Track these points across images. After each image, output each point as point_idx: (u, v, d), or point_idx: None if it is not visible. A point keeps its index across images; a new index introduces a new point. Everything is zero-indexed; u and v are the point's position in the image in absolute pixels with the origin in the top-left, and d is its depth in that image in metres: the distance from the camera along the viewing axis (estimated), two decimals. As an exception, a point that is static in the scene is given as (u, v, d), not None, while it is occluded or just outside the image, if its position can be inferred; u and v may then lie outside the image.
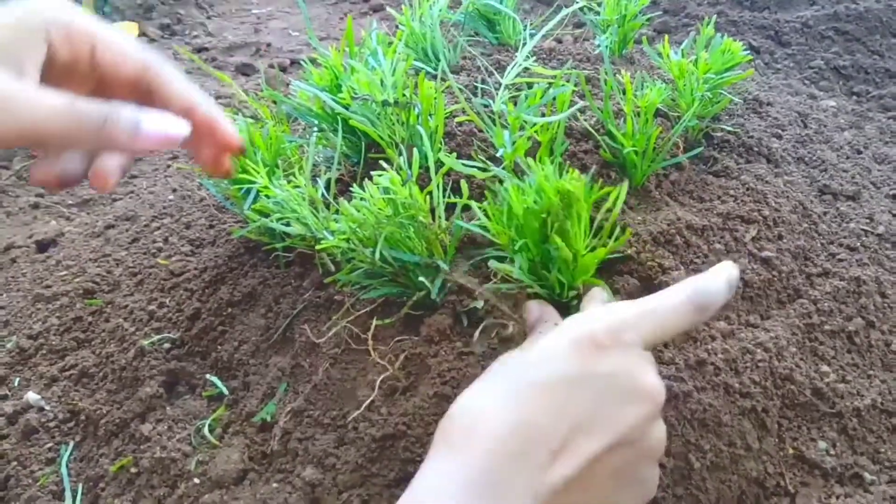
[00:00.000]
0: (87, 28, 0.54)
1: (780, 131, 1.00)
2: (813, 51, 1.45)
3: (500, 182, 0.65)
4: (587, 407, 0.49)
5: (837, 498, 0.67)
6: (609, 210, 0.61)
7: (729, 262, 0.57)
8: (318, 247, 0.70)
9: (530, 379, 0.51)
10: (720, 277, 0.55)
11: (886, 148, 1.09)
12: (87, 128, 0.49)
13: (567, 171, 0.60)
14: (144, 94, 0.56)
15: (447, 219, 0.73)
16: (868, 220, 0.88)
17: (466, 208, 0.74)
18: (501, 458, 0.47)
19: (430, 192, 0.69)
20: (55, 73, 0.53)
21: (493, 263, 0.66)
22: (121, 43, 0.55)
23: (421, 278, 0.70)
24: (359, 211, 0.66)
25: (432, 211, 0.70)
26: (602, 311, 0.55)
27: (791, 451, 0.69)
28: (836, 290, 0.78)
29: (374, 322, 0.73)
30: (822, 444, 0.70)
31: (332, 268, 0.78)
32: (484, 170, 0.71)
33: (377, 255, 0.67)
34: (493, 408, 0.50)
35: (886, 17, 1.50)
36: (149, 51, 0.57)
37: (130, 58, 0.56)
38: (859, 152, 1.07)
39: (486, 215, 0.65)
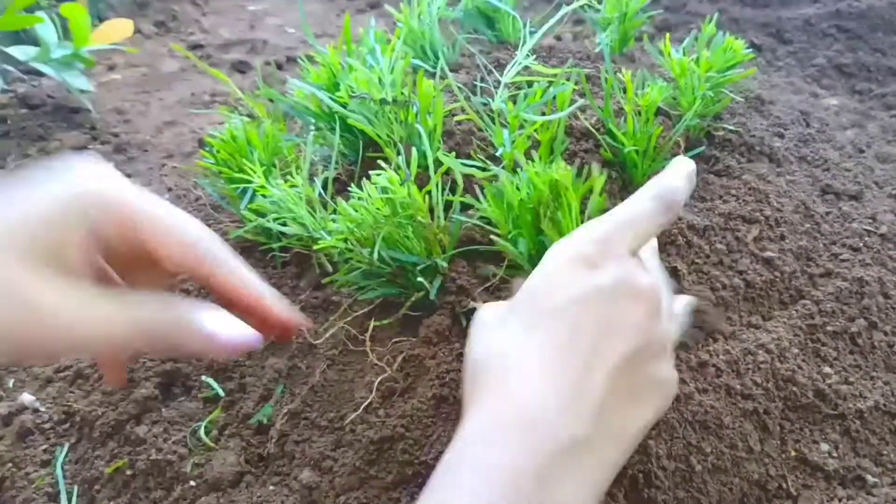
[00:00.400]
0: (135, 210, 0.48)
1: (782, 130, 0.99)
2: (815, 49, 1.45)
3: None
4: (600, 319, 0.50)
5: (840, 501, 0.66)
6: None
7: (683, 157, 0.59)
8: (315, 247, 0.70)
9: (543, 308, 0.52)
10: (680, 173, 0.57)
11: (889, 147, 1.08)
12: (152, 337, 0.45)
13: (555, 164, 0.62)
14: (202, 278, 0.52)
15: (445, 218, 0.72)
16: (871, 220, 0.87)
17: (466, 208, 0.73)
18: (540, 391, 0.48)
19: (429, 192, 0.69)
20: (104, 256, 0.48)
21: (497, 241, 0.67)
22: (177, 226, 0.49)
23: (419, 279, 0.69)
24: (357, 211, 0.65)
25: (431, 211, 0.69)
26: (583, 230, 0.55)
27: (793, 453, 0.68)
28: (838, 290, 0.77)
29: (372, 323, 0.72)
30: (825, 447, 0.69)
31: (330, 268, 0.78)
32: (484, 169, 0.70)
33: (375, 256, 0.66)
34: (517, 345, 0.51)
35: (889, 15, 1.49)
36: (205, 232, 0.51)
37: (188, 244, 0.50)
38: (862, 151, 1.06)
39: (487, 203, 0.66)
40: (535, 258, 0.66)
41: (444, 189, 0.71)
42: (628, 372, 0.50)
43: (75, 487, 0.77)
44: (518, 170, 0.65)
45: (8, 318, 0.41)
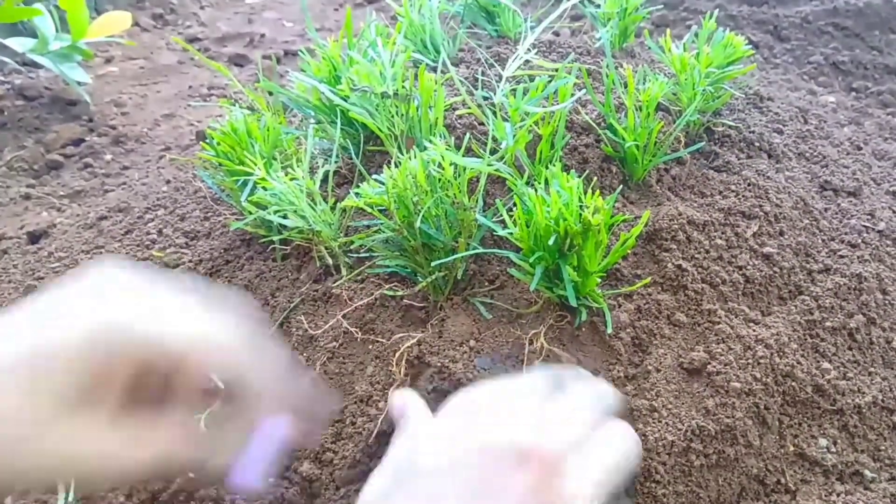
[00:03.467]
0: (167, 347, 0.44)
1: (780, 126, 1.00)
2: (812, 46, 1.45)
3: (528, 184, 0.66)
4: (471, 490, 0.43)
5: (838, 496, 0.66)
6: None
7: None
8: (344, 203, 0.69)
9: (407, 474, 0.46)
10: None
11: (886, 144, 1.09)
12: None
13: (590, 195, 0.61)
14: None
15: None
16: (869, 217, 0.88)
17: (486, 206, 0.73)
18: None
19: (473, 178, 0.69)
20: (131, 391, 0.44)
21: (513, 272, 0.68)
22: (213, 352, 0.46)
23: (436, 261, 0.69)
24: (409, 174, 0.66)
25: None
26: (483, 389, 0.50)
27: (792, 448, 0.69)
28: (837, 286, 0.78)
29: (373, 316, 0.72)
30: (823, 442, 0.69)
31: (330, 261, 0.77)
32: (488, 164, 0.70)
33: (417, 223, 0.65)
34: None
35: (885, 13, 1.49)
36: (243, 357, 0.48)
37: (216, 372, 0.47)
38: (859, 148, 1.07)
39: (514, 222, 0.66)
40: (551, 277, 0.67)
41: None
42: None
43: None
44: (541, 179, 0.64)
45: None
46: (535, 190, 0.63)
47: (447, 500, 0.42)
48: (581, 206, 0.61)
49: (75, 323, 0.42)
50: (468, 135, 0.73)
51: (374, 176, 0.69)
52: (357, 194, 0.68)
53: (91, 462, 0.41)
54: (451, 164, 0.66)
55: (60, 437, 0.41)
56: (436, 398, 0.66)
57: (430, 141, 0.66)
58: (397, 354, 0.69)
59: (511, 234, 0.66)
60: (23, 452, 0.39)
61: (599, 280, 0.68)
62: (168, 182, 1.15)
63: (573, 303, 0.65)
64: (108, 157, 1.30)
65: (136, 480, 0.42)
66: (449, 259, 0.69)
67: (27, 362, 0.40)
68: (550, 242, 0.62)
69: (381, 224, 0.70)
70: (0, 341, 0.41)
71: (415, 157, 0.66)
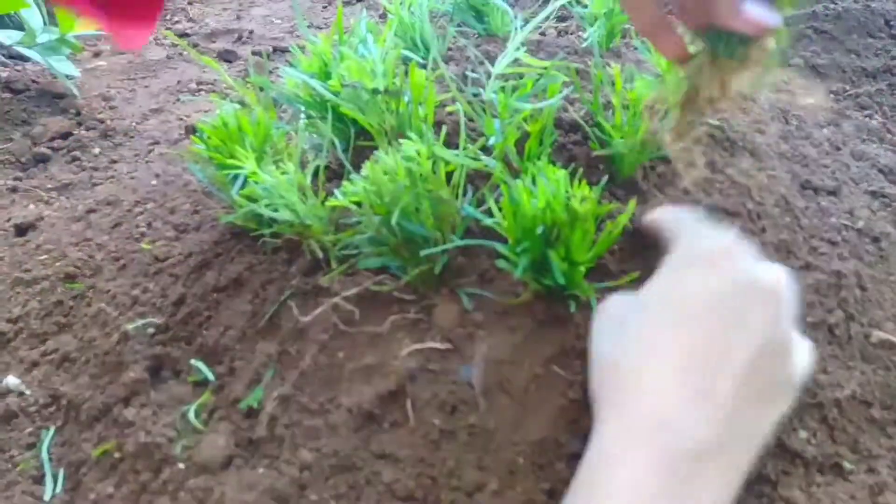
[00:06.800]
0: None
1: (762, 127, 1.01)
2: (792, 49, 1.47)
3: (515, 176, 0.67)
4: (727, 322, 0.52)
5: (818, 486, 0.68)
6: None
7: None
8: (330, 202, 0.70)
9: (672, 311, 0.55)
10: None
11: (864, 146, 1.11)
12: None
13: (576, 185, 0.63)
14: None
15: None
16: (848, 215, 0.90)
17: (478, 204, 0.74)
18: (673, 395, 0.50)
19: (452, 171, 0.70)
20: None
21: (500, 263, 0.69)
22: None
23: (424, 252, 0.70)
24: (386, 174, 0.66)
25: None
26: (702, 235, 0.61)
27: (773, 439, 0.70)
28: (817, 283, 0.79)
29: (362, 309, 0.73)
30: (804, 434, 0.71)
31: (321, 254, 0.78)
32: (474, 159, 0.71)
33: (394, 221, 0.67)
34: (648, 348, 0.54)
35: (864, 18, 1.52)
36: None
37: None
38: (838, 149, 1.09)
39: (500, 210, 0.67)
40: (539, 268, 0.68)
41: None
42: (755, 374, 0.51)
43: (61, 471, 0.77)
44: (529, 175, 0.66)
45: None
46: (523, 182, 0.64)
47: (716, 329, 0.51)
48: (568, 196, 0.62)
49: None
50: (462, 130, 0.74)
51: (353, 175, 0.69)
52: (343, 193, 0.69)
53: None
54: (429, 159, 0.67)
55: None
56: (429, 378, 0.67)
57: (408, 137, 0.67)
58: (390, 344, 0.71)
59: (497, 223, 0.67)
60: None
61: (587, 273, 0.69)
62: (157, 176, 1.16)
63: (562, 281, 0.66)
64: (97, 150, 1.30)
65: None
66: (430, 251, 0.70)
67: None
68: (538, 231, 0.63)
69: (364, 220, 0.71)
70: None
71: (389, 153, 0.67)
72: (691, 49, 0.65)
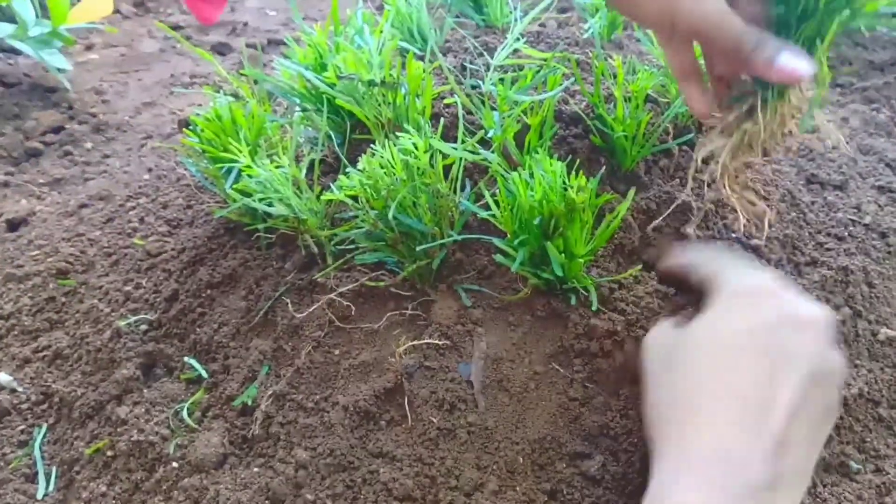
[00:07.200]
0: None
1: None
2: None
3: (514, 169, 0.66)
4: (773, 354, 0.53)
5: (824, 486, 0.67)
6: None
7: None
8: (325, 196, 0.69)
9: (722, 346, 0.55)
10: None
11: (871, 139, 1.09)
12: (741, 45, 0.56)
13: (573, 176, 0.61)
14: None
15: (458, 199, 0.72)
16: (855, 210, 0.88)
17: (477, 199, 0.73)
18: (729, 431, 0.51)
19: (450, 165, 0.69)
20: None
21: (497, 258, 0.68)
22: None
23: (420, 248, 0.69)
24: (382, 168, 0.65)
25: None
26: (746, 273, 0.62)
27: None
28: (823, 279, 0.78)
29: (359, 304, 0.72)
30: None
31: (316, 250, 0.77)
32: (473, 153, 0.70)
33: (390, 214, 0.66)
34: (701, 385, 0.54)
35: (869, 10, 1.50)
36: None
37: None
38: (845, 143, 1.07)
39: (497, 204, 0.66)
40: (536, 262, 0.67)
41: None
42: (806, 403, 0.52)
43: (54, 468, 0.76)
44: (528, 168, 0.65)
45: None
46: (520, 175, 0.63)
47: (764, 362, 0.53)
48: (565, 187, 0.61)
49: None
50: (461, 123, 0.73)
51: (349, 169, 0.68)
52: (339, 187, 0.68)
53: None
54: (426, 152, 0.66)
55: None
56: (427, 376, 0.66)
57: (406, 130, 0.66)
58: (385, 341, 0.69)
59: (494, 216, 0.66)
60: None
61: (586, 266, 0.68)
62: (150, 170, 1.14)
63: (560, 273, 0.65)
64: (89, 144, 1.28)
65: (718, 32, 0.56)
66: (427, 246, 0.69)
67: None
68: (536, 223, 0.62)
69: (360, 215, 0.70)
70: None
71: (386, 146, 0.66)
72: (714, 109, 0.66)
